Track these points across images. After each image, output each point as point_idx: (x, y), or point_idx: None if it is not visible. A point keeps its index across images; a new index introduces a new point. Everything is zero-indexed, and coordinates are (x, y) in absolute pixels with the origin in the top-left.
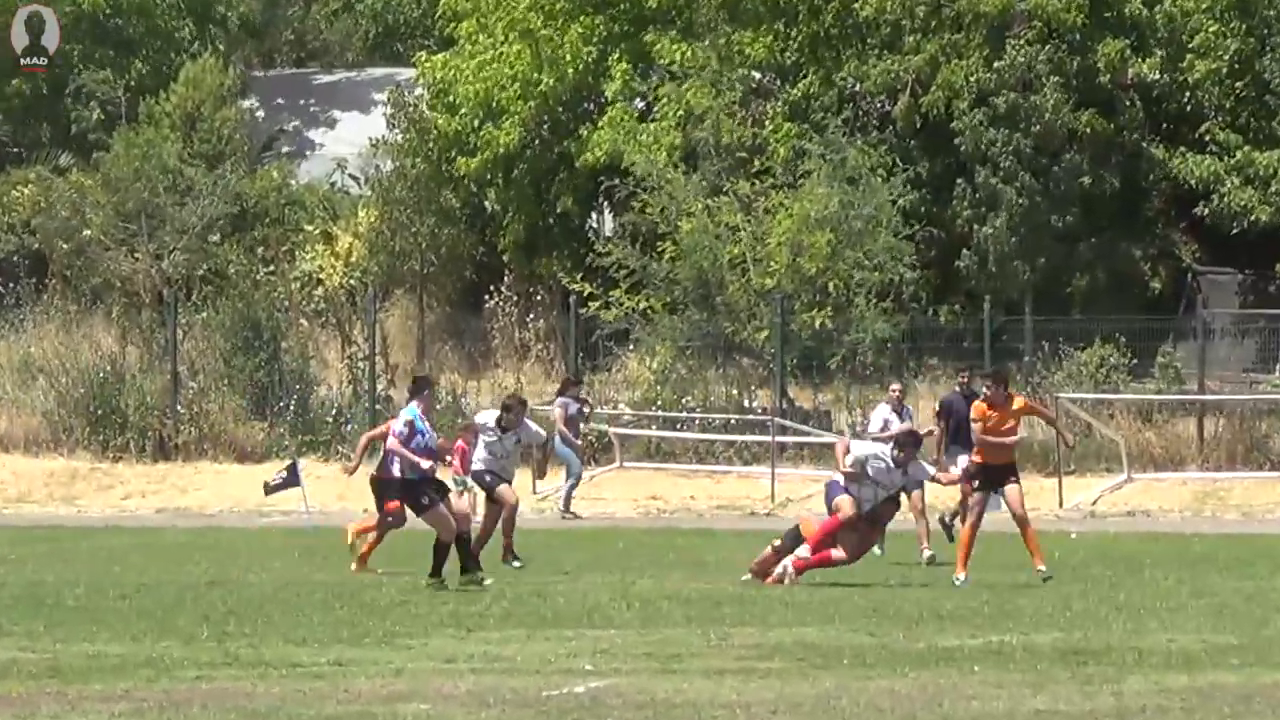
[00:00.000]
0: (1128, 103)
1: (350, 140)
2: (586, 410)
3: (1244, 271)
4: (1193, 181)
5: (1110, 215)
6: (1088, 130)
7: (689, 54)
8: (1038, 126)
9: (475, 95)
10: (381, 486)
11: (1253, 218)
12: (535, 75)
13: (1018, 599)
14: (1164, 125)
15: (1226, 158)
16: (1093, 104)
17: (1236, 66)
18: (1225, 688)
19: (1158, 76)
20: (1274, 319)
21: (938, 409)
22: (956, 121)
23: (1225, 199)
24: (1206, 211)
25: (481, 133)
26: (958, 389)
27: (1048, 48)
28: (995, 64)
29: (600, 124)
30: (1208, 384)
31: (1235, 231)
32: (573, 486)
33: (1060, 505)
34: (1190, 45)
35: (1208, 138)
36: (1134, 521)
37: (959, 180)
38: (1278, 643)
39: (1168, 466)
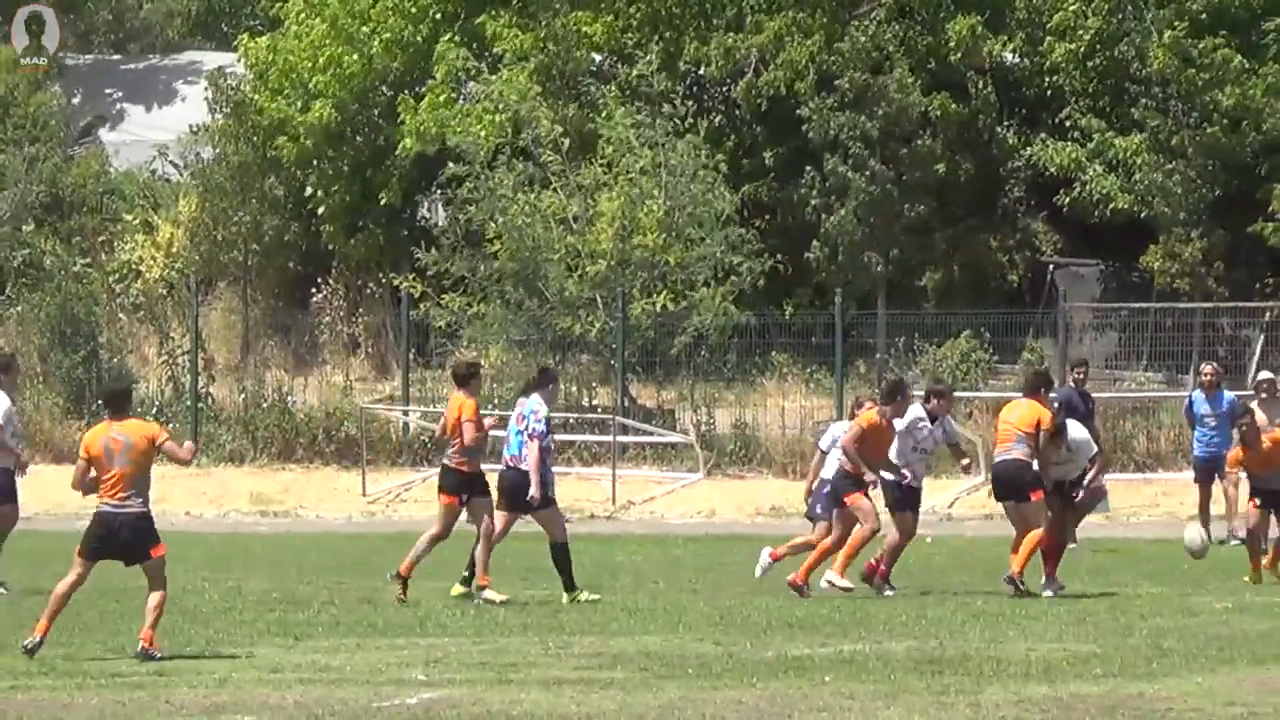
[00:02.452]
0: (982, 85)
1: (170, 127)
2: None
3: (1105, 262)
4: (1053, 169)
5: (966, 204)
6: (939, 114)
7: (524, 38)
8: (885, 109)
9: (291, 76)
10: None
11: (1114, 206)
12: (347, 55)
13: (869, 606)
14: (1022, 109)
15: (1087, 143)
16: (945, 86)
17: (1097, 47)
18: (1087, 698)
19: (1015, 58)
20: (1137, 312)
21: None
22: (803, 106)
23: (1086, 187)
24: (1067, 200)
25: (279, 113)
26: (1072, 384)
27: (896, 26)
28: (839, 43)
29: (422, 108)
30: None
31: (1096, 221)
32: None
33: None
34: (1049, 25)
35: (1068, 123)
36: (992, 525)
37: (807, 167)
38: (1142, 652)
39: None
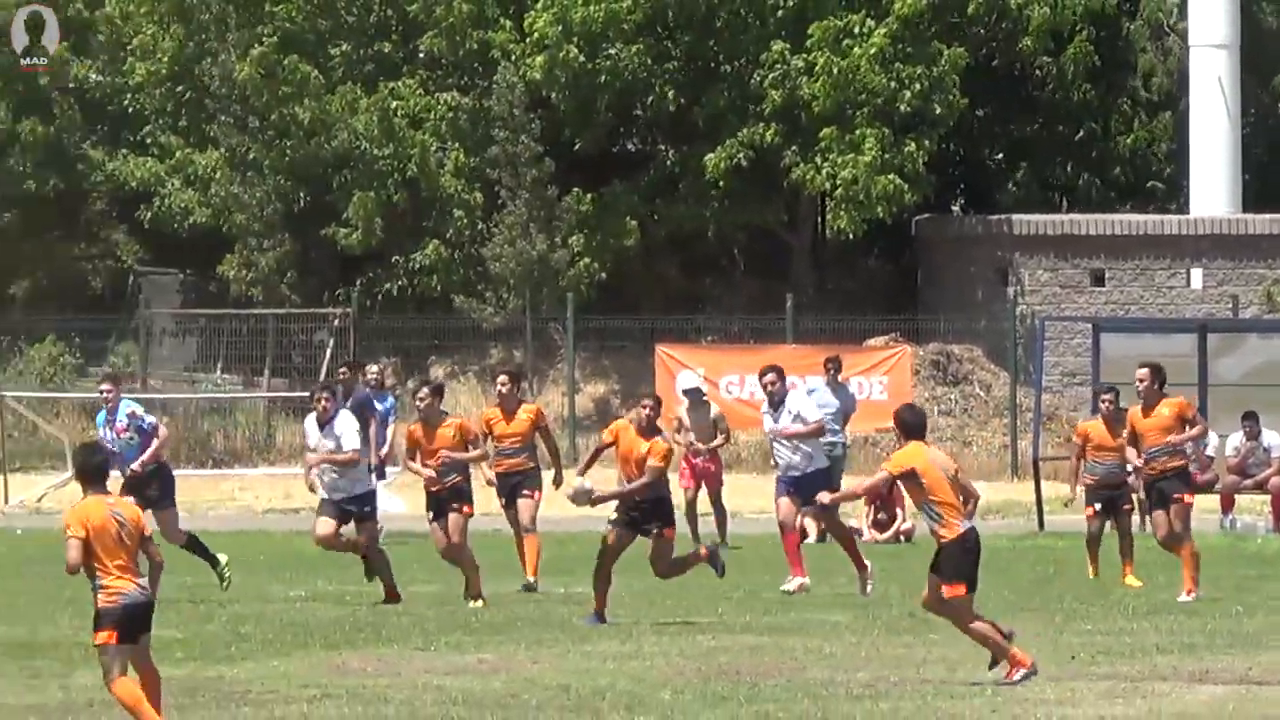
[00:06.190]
0: (67, 106)
1: None
2: None
3: (185, 271)
4: (134, 183)
5: (52, 217)
6: (28, 135)
7: None
8: None
9: None
10: None
11: (193, 219)
12: None
13: None
14: (105, 127)
15: (167, 160)
16: (32, 107)
17: (177, 69)
18: (170, 681)
19: (100, 78)
20: (214, 318)
21: None
22: None
23: (166, 200)
24: (148, 213)
25: None
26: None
27: None
28: None
29: None
30: (151, 382)
31: (177, 232)
32: None
33: (5, 502)
34: (130, 47)
35: (149, 140)
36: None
37: None
38: (221, 637)
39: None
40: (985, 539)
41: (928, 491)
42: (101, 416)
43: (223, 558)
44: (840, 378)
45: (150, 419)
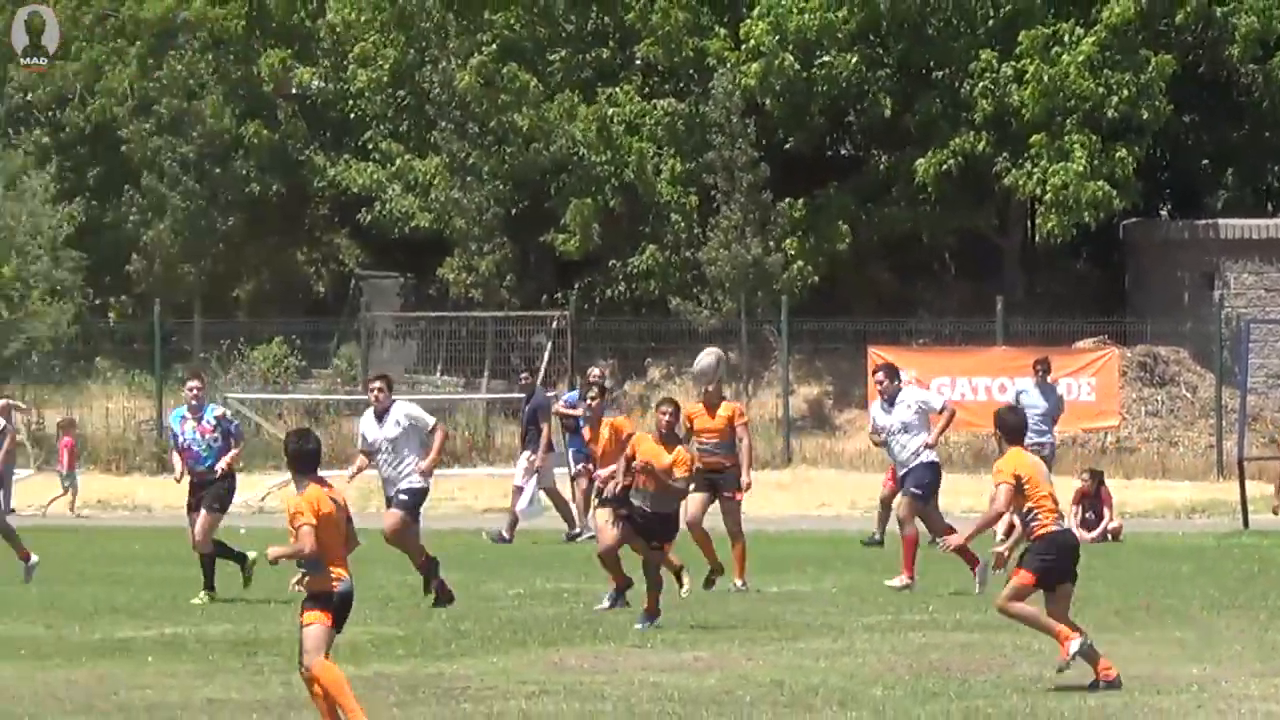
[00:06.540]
0: (290, 112)
1: None
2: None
3: (405, 275)
4: (355, 188)
5: (275, 221)
6: (253, 140)
7: None
8: (200, 133)
9: None
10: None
11: (414, 223)
12: None
13: (189, 593)
14: (327, 133)
15: (388, 165)
16: (257, 112)
17: (397, 76)
18: (391, 677)
19: (321, 84)
20: (434, 320)
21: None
22: (123, 129)
23: (387, 205)
24: (369, 217)
25: None
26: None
27: (210, 56)
28: (159, 71)
29: None
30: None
31: (397, 236)
32: None
33: None
34: (352, 54)
35: (370, 145)
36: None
37: (126, 186)
38: (441, 634)
39: (334, 465)
40: (1190, 537)
41: (1028, 496)
42: (179, 413)
43: (251, 554)
44: (1049, 379)
45: (238, 423)
